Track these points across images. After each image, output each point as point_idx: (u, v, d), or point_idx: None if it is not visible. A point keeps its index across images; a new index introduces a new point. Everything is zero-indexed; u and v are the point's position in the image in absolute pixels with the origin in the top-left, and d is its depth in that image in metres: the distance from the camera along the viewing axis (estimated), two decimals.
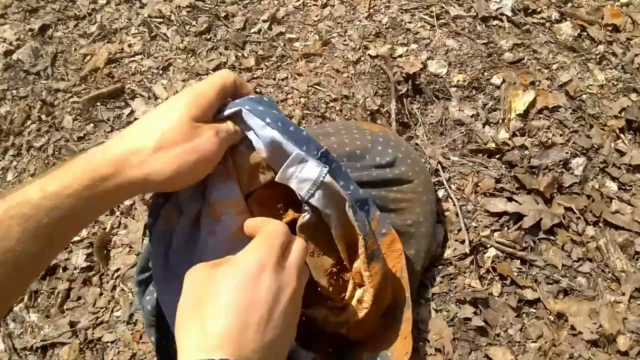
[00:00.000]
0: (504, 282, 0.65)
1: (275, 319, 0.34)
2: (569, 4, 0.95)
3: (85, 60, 0.93)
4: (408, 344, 0.53)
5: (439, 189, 0.73)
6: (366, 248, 0.46)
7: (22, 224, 0.34)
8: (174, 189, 0.42)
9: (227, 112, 0.44)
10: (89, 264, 0.71)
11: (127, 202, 0.76)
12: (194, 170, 0.39)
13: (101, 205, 0.39)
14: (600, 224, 0.70)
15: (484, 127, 0.79)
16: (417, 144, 0.78)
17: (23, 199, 0.34)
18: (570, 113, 0.80)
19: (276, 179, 0.45)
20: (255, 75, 0.88)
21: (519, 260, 0.67)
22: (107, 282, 0.70)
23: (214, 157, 0.41)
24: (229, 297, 0.33)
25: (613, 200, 0.71)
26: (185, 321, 0.34)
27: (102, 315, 0.67)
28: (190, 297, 0.35)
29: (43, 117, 0.86)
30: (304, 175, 0.44)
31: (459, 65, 0.86)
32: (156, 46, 0.94)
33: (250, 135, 0.45)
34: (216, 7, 0.98)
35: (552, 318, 0.63)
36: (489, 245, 0.68)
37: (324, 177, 0.44)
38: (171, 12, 0.98)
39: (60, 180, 0.35)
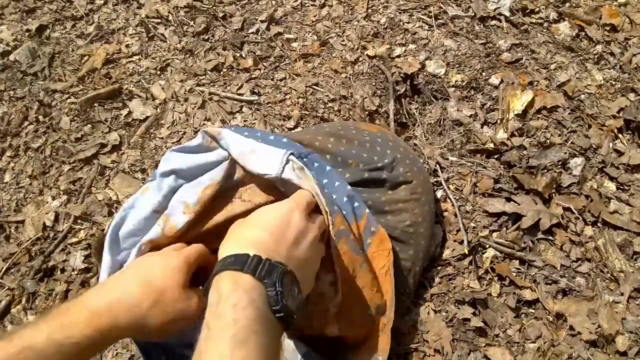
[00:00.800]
0: (503, 282, 0.65)
1: (302, 246, 0.43)
2: (567, 4, 0.95)
3: (83, 61, 0.93)
4: (386, 340, 0.53)
5: (437, 189, 0.73)
6: (333, 225, 0.48)
7: None
8: (160, 339, 0.50)
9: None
10: (86, 265, 0.71)
11: None
12: (179, 328, 0.45)
13: (98, 349, 0.44)
14: (598, 224, 0.70)
15: (482, 128, 0.79)
16: (415, 144, 0.78)
17: (28, 344, 0.37)
18: (569, 113, 0.80)
19: (248, 169, 0.51)
20: (253, 76, 0.88)
21: (518, 261, 0.67)
22: None
23: (197, 319, 0.45)
24: (266, 219, 0.43)
25: (611, 200, 0.71)
26: (230, 234, 0.44)
27: None
28: (236, 224, 0.45)
29: (40, 118, 0.86)
30: (271, 157, 0.51)
31: (457, 66, 0.86)
32: (154, 47, 0.94)
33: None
34: (214, 8, 0.98)
35: (550, 318, 0.63)
36: (487, 246, 0.68)
37: (288, 156, 0.50)
38: (169, 12, 0.98)
39: (66, 329, 0.39)
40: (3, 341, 0.38)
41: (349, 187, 0.55)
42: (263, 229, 0.42)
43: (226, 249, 0.40)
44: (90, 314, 0.40)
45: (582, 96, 0.82)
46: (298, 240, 0.43)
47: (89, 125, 0.85)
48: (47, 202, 0.77)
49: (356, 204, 0.54)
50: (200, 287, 0.47)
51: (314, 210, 0.49)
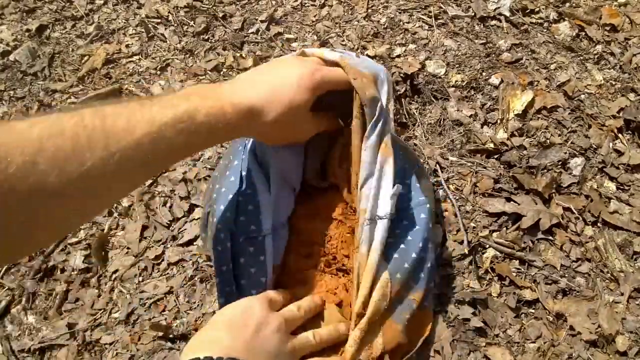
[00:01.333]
0: (503, 282, 0.65)
1: (263, 335, 0.44)
2: (567, 4, 0.95)
3: (83, 61, 0.93)
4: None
5: (437, 189, 0.73)
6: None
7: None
8: (271, 143, 0.54)
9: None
10: (86, 265, 0.71)
11: (125, 204, 0.76)
12: (292, 141, 0.53)
13: (210, 141, 0.46)
14: (598, 224, 0.70)
15: (482, 128, 0.79)
16: (415, 144, 0.78)
17: (192, 111, 0.40)
18: (569, 113, 0.80)
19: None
20: None
21: (518, 261, 0.67)
22: (105, 284, 0.70)
23: (308, 138, 0.54)
24: (223, 317, 0.46)
25: (611, 200, 0.71)
26: (193, 337, 0.47)
27: (100, 316, 0.66)
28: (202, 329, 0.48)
29: None
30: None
31: (457, 66, 0.86)
32: (154, 47, 0.94)
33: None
34: (214, 8, 0.98)
35: (551, 318, 0.63)
36: (487, 246, 0.68)
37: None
38: (169, 12, 0.98)
39: (219, 116, 0.42)
40: (167, 105, 0.39)
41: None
42: (220, 327, 0.45)
43: (184, 355, 0.42)
44: (233, 108, 0.43)
45: (582, 96, 0.82)
46: (259, 329, 0.44)
47: None
48: None
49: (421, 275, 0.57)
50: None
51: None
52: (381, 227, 0.52)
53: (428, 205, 0.58)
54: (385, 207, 0.52)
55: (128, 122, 0.36)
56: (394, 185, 0.53)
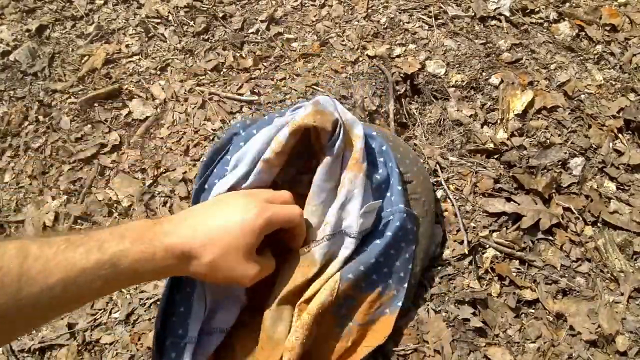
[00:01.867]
0: (503, 282, 0.65)
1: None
2: (567, 4, 0.95)
3: (83, 61, 0.93)
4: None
5: (437, 189, 0.73)
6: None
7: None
8: (209, 282, 0.52)
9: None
10: None
11: (125, 204, 0.76)
12: (233, 283, 0.48)
13: (154, 279, 0.48)
14: (598, 224, 0.70)
15: (482, 128, 0.79)
16: (415, 144, 0.78)
17: (114, 261, 0.39)
18: (569, 113, 0.80)
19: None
20: (253, 76, 0.88)
21: (518, 261, 0.67)
22: None
23: (253, 283, 0.48)
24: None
25: (611, 200, 0.71)
26: None
27: (100, 316, 0.66)
28: None
29: (40, 118, 0.86)
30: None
31: (457, 66, 0.86)
32: (154, 47, 0.94)
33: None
34: (214, 8, 0.98)
35: (550, 318, 0.63)
36: (487, 246, 0.68)
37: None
38: (169, 12, 0.98)
39: (144, 261, 0.41)
40: (93, 249, 0.39)
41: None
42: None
43: None
44: (165, 251, 0.42)
45: (582, 96, 0.82)
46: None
47: (89, 125, 0.85)
48: (47, 202, 0.77)
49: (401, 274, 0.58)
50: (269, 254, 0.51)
51: None
52: (348, 244, 0.54)
53: (404, 214, 0.57)
54: (352, 224, 0.54)
55: (45, 267, 0.36)
56: (363, 205, 0.55)
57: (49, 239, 0.38)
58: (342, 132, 0.54)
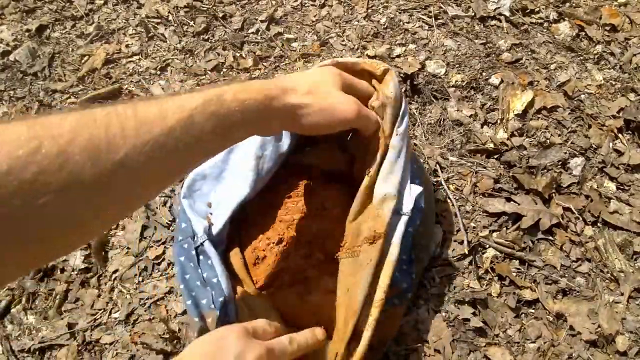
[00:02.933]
0: (503, 282, 0.65)
1: None
2: (567, 4, 0.95)
3: (83, 61, 0.93)
4: None
5: (437, 189, 0.73)
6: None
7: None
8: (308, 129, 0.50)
9: None
10: (86, 265, 0.71)
11: None
12: (332, 125, 0.48)
13: (243, 127, 0.44)
14: (598, 224, 0.70)
15: (482, 128, 0.79)
16: (415, 145, 0.78)
17: (217, 94, 0.39)
18: (569, 113, 0.80)
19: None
20: (253, 76, 0.88)
21: (518, 261, 0.67)
22: (105, 284, 0.70)
23: (348, 125, 0.49)
24: (193, 355, 0.41)
25: (611, 200, 0.71)
26: None
27: (100, 316, 0.66)
28: None
29: None
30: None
31: (457, 66, 0.86)
32: (154, 47, 0.94)
33: None
34: (214, 8, 0.98)
35: (550, 318, 0.63)
36: (487, 246, 0.68)
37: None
38: (169, 12, 0.98)
39: (247, 92, 0.41)
40: (194, 93, 0.39)
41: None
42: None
43: None
44: (262, 84, 0.44)
45: (582, 96, 0.82)
46: None
47: None
48: None
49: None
50: None
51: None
52: (402, 223, 0.51)
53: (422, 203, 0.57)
54: (408, 204, 0.52)
55: (160, 110, 0.35)
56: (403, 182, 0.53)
57: (151, 98, 0.38)
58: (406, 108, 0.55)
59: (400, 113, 0.54)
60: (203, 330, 0.54)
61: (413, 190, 0.53)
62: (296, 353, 0.46)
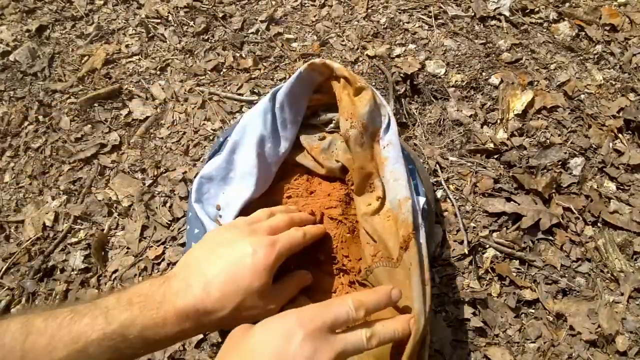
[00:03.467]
0: (503, 282, 0.65)
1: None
2: (567, 4, 0.95)
3: (83, 61, 0.93)
4: None
5: (437, 189, 0.73)
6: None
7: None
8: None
9: None
10: (86, 265, 0.71)
11: (125, 204, 0.76)
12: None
13: (173, 343, 0.43)
14: (598, 224, 0.70)
15: (482, 128, 0.79)
16: (415, 144, 0.78)
17: (121, 332, 0.37)
18: (569, 113, 0.80)
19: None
20: (253, 76, 0.88)
21: (518, 261, 0.67)
22: (105, 284, 0.69)
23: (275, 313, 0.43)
24: (254, 353, 0.36)
25: (611, 200, 0.71)
26: None
27: None
28: (231, 346, 0.38)
29: (40, 118, 0.86)
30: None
31: (457, 66, 0.86)
32: (153, 47, 0.94)
33: None
34: (214, 8, 0.98)
35: (550, 318, 0.63)
36: (487, 246, 0.68)
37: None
38: (169, 12, 0.98)
39: (155, 327, 0.39)
40: (99, 318, 0.37)
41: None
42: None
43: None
44: (177, 316, 0.39)
45: (582, 96, 0.82)
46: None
47: (89, 125, 0.85)
48: (47, 202, 0.77)
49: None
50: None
51: None
52: (421, 221, 0.51)
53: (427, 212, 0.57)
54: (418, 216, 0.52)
55: (50, 341, 0.35)
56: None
57: (55, 310, 0.37)
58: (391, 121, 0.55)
59: (384, 125, 0.54)
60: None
61: (420, 202, 0.53)
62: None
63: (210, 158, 0.62)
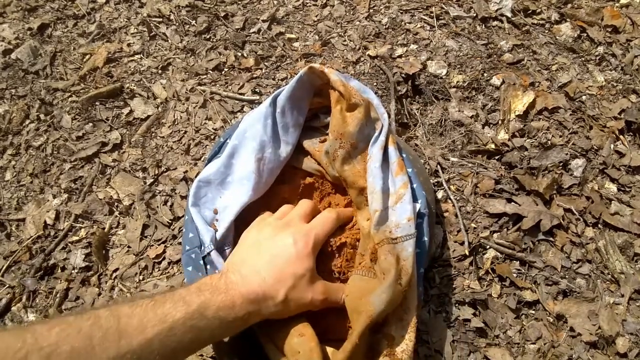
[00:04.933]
0: (503, 283, 0.65)
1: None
2: (569, 5, 0.95)
3: (84, 60, 0.93)
4: None
5: (438, 189, 0.73)
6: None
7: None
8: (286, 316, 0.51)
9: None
10: (87, 263, 0.71)
11: (126, 202, 0.76)
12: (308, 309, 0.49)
13: (217, 336, 0.45)
14: (599, 226, 0.70)
15: (483, 128, 0.79)
16: (416, 145, 0.78)
17: (200, 313, 0.42)
18: (570, 114, 0.80)
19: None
20: (254, 75, 0.88)
21: (518, 262, 0.67)
22: (106, 282, 0.70)
23: (322, 305, 0.50)
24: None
25: (612, 202, 0.71)
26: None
27: None
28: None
29: (42, 116, 0.86)
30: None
31: (458, 66, 0.86)
32: (155, 46, 0.94)
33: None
34: (216, 7, 0.98)
35: (551, 319, 0.63)
36: (488, 247, 0.68)
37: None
38: (170, 11, 0.98)
39: (227, 309, 0.43)
40: (179, 302, 0.41)
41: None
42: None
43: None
44: (243, 298, 0.44)
45: (584, 97, 0.82)
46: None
47: (90, 124, 0.85)
48: (48, 201, 0.78)
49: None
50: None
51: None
52: (410, 245, 0.51)
53: (427, 215, 0.57)
54: (404, 229, 0.51)
55: (140, 322, 0.38)
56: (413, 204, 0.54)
57: (134, 301, 0.41)
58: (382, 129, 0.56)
59: (373, 138, 0.55)
60: None
61: (415, 207, 0.54)
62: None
63: (209, 161, 0.62)
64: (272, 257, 0.48)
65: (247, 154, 0.58)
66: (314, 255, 0.49)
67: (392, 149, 0.55)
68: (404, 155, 0.59)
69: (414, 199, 0.56)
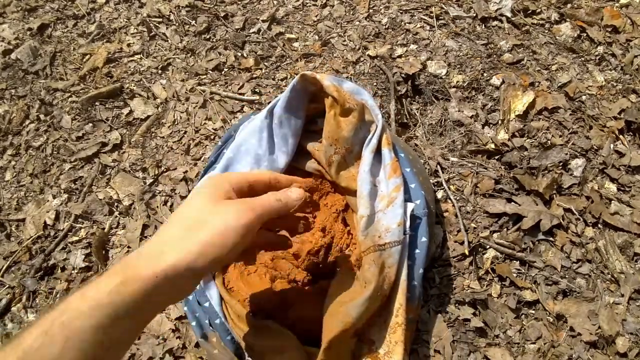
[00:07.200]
0: (503, 283, 0.65)
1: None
2: (569, 5, 0.95)
3: (84, 60, 0.93)
4: None
5: (438, 189, 0.73)
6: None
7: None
8: (218, 268, 0.44)
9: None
10: (87, 264, 0.71)
11: (126, 202, 0.76)
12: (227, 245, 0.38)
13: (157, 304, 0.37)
14: (599, 225, 0.70)
15: (483, 128, 0.79)
16: (416, 145, 0.78)
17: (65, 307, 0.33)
18: (570, 114, 0.80)
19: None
20: (254, 75, 0.88)
21: (518, 262, 0.67)
22: None
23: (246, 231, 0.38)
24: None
25: (612, 202, 0.71)
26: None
27: None
28: None
29: (42, 116, 0.86)
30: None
31: (458, 66, 0.86)
32: (155, 46, 0.94)
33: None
34: (215, 7, 0.98)
35: (551, 319, 0.63)
36: (488, 246, 0.68)
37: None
38: (170, 11, 0.98)
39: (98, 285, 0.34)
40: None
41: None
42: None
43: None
44: (174, 271, 0.35)
45: (583, 97, 0.82)
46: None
47: (90, 124, 0.85)
48: (48, 201, 0.78)
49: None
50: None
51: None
52: (395, 253, 0.51)
53: (426, 215, 0.57)
54: (393, 234, 0.52)
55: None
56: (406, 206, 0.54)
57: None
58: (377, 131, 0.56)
59: (367, 141, 0.56)
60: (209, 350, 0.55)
61: (408, 208, 0.54)
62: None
63: (205, 172, 0.62)
64: (207, 232, 0.37)
65: (242, 168, 0.58)
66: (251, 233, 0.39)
67: (386, 151, 0.55)
68: (403, 155, 0.59)
69: (412, 199, 0.56)
